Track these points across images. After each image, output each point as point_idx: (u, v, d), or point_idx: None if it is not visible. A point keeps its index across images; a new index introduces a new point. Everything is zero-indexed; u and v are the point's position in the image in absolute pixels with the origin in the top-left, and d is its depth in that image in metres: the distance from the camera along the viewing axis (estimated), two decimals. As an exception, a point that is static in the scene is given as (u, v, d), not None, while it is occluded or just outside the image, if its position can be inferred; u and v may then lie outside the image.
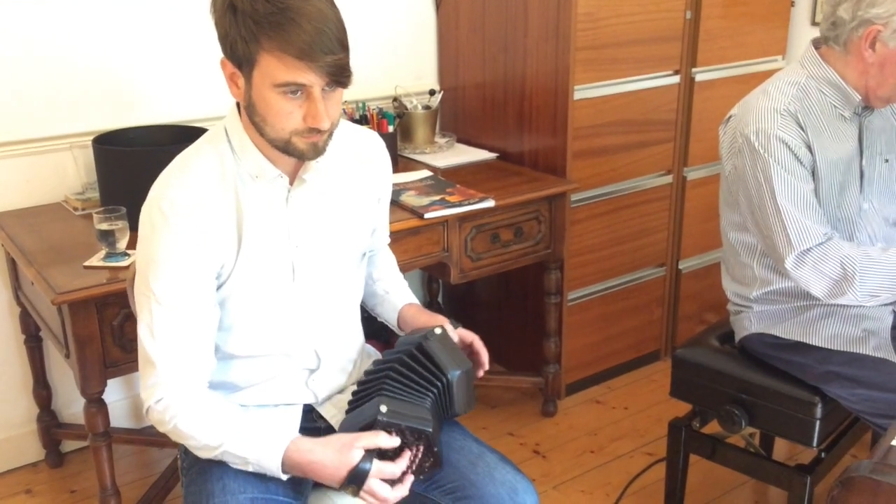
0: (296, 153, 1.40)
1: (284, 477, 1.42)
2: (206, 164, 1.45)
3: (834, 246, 1.80)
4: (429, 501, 1.52)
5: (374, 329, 1.83)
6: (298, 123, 1.36)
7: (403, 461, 1.43)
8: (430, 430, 1.43)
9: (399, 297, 1.73)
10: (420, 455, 1.45)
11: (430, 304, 3.27)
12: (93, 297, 1.91)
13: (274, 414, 1.58)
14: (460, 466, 1.52)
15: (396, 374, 1.49)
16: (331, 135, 1.42)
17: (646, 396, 2.96)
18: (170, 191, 1.41)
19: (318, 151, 1.41)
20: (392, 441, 1.41)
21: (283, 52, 1.29)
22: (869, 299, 1.80)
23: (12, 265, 2.37)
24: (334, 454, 1.38)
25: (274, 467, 1.40)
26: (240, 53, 1.33)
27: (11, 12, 2.32)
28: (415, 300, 1.74)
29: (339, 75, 1.33)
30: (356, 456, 1.38)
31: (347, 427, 1.46)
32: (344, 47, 1.34)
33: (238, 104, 1.46)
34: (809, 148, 1.83)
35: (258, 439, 1.41)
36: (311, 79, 1.32)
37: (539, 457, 2.65)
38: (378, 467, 1.39)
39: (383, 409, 1.41)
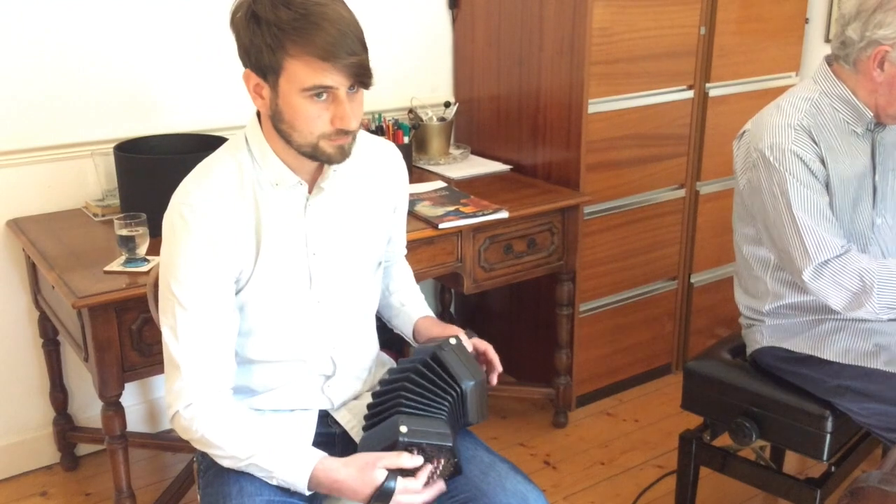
0: (323, 157, 1.43)
1: (308, 493, 1.44)
2: (225, 172, 1.48)
3: (852, 258, 1.80)
4: (440, 510, 1.54)
5: (388, 338, 1.85)
6: (326, 127, 1.39)
7: (423, 475, 1.44)
8: (451, 444, 1.45)
9: (415, 310, 1.75)
10: (441, 467, 1.47)
11: (442, 313, 3.28)
12: (112, 302, 1.94)
13: (290, 418, 1.60)
14: (472, 476, 1.52)
15: (412, 384, 1.50)
16: (355, 138, 1.45)
17: (657, 409, 2.96)
18: (190, 197, 1.45)
19: (344, 154, 1.44)
20: (414, 461, 1.42)
21: (309, 55, 1.33)
22: (886, 312, 1.80)
23: (33, 269, 2.40)
24: (357, 474, 1.40)
25: (301, 485, 1.42)
26: (265, 63, 1.36)
27: (34, 20, 2.36)
28: (430, 313, 1.76)
29: (363, 75, 1.37)
30: (379, 476, 1.39)
31: (368, 447, 1.47)
32: (364, 48, 1.38)
33: (258, 114, 1.49)
34: (823, 162, 1.84)
35: (286, 455, 1.43)
36: (337, 80, 1.35)
37: (549, 468, 2.65)
38: (403, 485, 1.41)
39: (403, 429, 1.42)
